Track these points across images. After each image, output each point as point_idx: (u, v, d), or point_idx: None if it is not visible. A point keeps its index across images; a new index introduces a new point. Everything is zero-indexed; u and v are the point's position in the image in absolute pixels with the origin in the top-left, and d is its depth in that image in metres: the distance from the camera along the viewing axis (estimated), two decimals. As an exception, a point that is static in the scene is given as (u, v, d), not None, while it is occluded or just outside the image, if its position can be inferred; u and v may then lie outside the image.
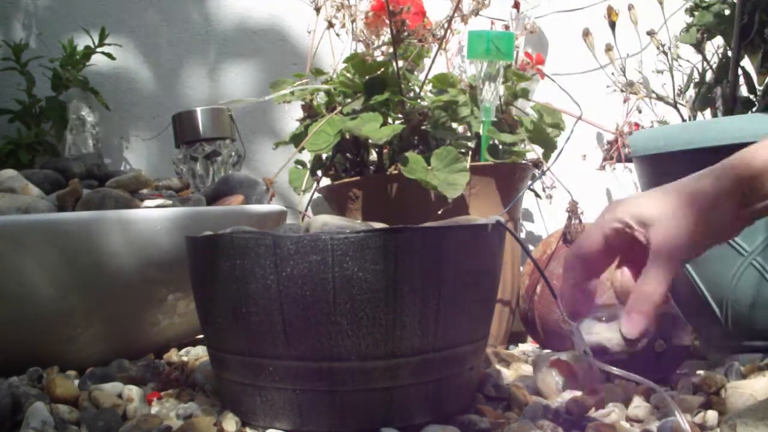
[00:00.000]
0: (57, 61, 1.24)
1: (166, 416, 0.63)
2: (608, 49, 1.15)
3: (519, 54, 1.21)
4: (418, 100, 1.03)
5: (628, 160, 1.09)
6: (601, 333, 0.59)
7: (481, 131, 1.00)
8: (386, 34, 1.07)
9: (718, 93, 0.97)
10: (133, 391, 0.64)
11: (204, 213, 0.83)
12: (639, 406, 0.64)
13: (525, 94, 1.10)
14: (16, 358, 0.73)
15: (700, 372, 0.78)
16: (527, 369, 0.80)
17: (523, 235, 1.31)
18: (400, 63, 1.02)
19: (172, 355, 0.85)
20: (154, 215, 0.76)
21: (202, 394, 0.69)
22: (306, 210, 1.13)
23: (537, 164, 1.06)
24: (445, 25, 1.04)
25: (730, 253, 0.81)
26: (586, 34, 1.16)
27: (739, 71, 0.95)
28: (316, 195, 1.15)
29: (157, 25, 1.33)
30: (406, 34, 1.02)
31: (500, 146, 1.06)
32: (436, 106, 1.02)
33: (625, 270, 0.57)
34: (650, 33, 1.13)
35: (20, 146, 1.20)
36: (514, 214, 1.05)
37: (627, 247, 0.55)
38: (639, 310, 0.53)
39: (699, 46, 1.02)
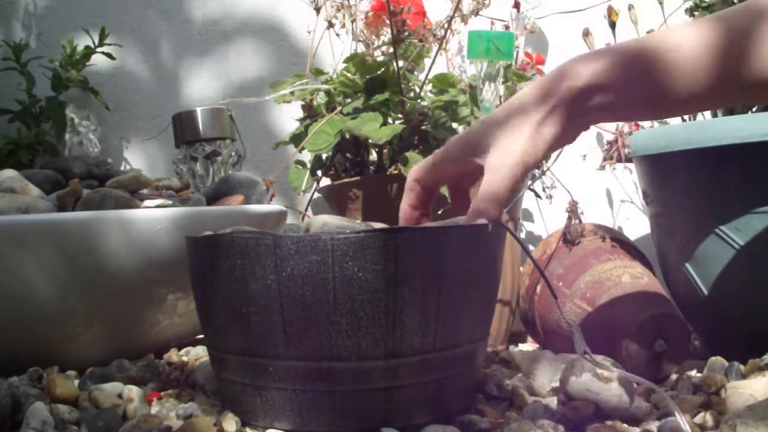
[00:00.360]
0: (57, 61, 1.24)
1: (166, 416, 0.63)
2: (608, 49, 1.15)
3: (519, 54, 1.21)
4: (418, 100, 1.03)
5: (628, 160, 1.09)
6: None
7: (481, 131, 1.00)
8: (386, 34, 1.07)
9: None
10: (133, 391, 0.64)
11: (204, 213, 0.83)
12: (639, 406, 0.64)
13: (525, 94, 1.09)
14: (16, 358, 0.73)
15: (700, 372, 0.78)
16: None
17: (523, 235, 1.31)
18: (401, 63, 1.02)
19: (172, 355, 0.85)
20: (154, 215, 0.76)
21: (202, 394, 0.69)
22: (306, 210, 1.13)
23: (537, 164, 1.06)
24: (445, 25, 1.04)
25: (730, 253, 0.81)
26: (586, 34, 1.16)
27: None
28: (316, 195, 1.16)
29: (157, 25, 1.33)
30: (406, 34, 1.02)
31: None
32: (436, 106, 1.02)
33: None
34: (650, 33, 1.13)
35: (20, 146, 1.20)
36: (514, 214, 1.05)
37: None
38: (485, 208, 0.58)
39: (699, 46, 1.02)
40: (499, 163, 0.58)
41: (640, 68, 0.58)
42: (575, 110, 0.58)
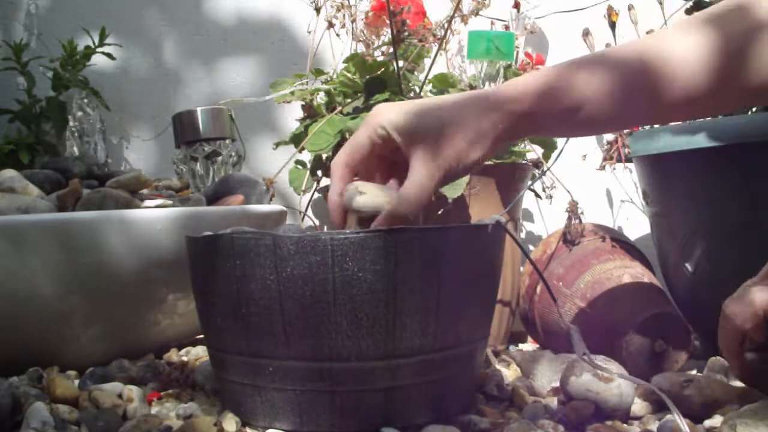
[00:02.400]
0: (57, 61, 1.24)
1: (166, 416, 0.63)
2: (608, 49, 1.15)
3: (519, 54, 1.21)
4: (418, 100, 1.03)
5: (628, 160, 1.09)
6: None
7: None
8: (386, 34, 1.07)
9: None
10: (133, 391, 0.64)
11: (204, 213, 0.83)
12: (639, 406, 0.64)
13: (525, 94, 1.09)
14: (16, 358, 0.73)
15: (700, 372, 0.78)
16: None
17: (523, 235, 1.31)
18: (401, 63, 1.02)
19: (172, 355, 0.85)
20: (154, 215, 0.76)
21: (202, 394, 0.69)
22: (306, 210, 1.13)
23: (537, 164, 1.06)
24: (445, 25, 1.04)
25: (729, 252, 0.81)
26: (586, 34, 1.16)
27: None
28: (316, 195, 1.15)
29: (157, 24, 1.33)
30: (406, 34, 1.02)
31: (500, 146, 1.06)
32: (436, 106, 1.02)
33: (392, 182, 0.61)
34: (650, 33, 1.13)
35: (20, 146, 1.20)
36: (514, 214, 1.05)
37: (392, 152, 0.60)
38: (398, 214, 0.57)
39: (699, 46, 1.02)
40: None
41: (636, 81, 0.57)
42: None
